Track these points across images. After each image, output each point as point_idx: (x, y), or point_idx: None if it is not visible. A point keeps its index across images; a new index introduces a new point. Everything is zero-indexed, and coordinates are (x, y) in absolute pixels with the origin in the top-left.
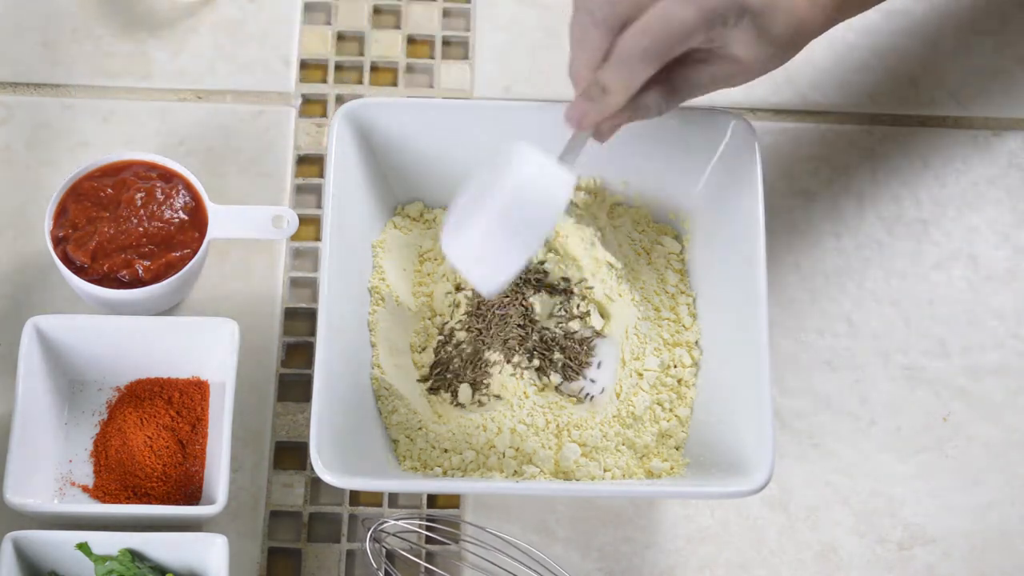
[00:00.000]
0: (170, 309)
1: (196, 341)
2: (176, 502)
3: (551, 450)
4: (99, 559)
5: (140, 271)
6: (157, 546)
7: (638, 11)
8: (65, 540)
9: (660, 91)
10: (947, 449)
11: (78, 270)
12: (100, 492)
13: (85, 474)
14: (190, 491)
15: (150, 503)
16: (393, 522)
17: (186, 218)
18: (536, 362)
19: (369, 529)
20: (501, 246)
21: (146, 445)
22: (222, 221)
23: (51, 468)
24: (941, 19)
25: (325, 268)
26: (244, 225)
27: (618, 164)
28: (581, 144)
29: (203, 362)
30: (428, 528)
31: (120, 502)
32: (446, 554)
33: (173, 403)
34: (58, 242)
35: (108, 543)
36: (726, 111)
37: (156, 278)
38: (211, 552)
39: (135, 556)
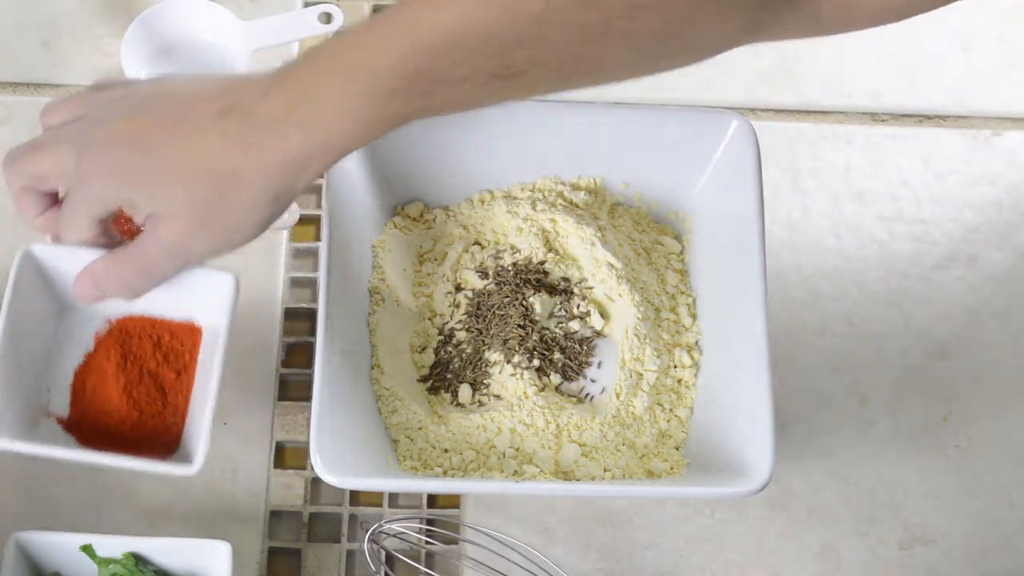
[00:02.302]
0: None
1: (193, 285)
2: (150, 452)
3: (551, 450)
4: (103, 561)
5: None
6: (161, 551)
7: None
8: (69, 542)
9: None
10: (947, 449)
11: None
12: (73, 427)
13: (61, 405)
14: (166, 443)
15: (124, 449)
16: (391, 524)
17: None
18: (536, 362)
19: (368, 531)
20: None
21: (125, 391)
22: None
23: (29, 394)
24: (941, 18)
25: (325, 268)
26: None
27: (618, 164)
28: None
29: (198, 308)
30: (428, 529)
31: (92, 442)
32: (446, 555)
33: (161, 345)
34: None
35: (112, 546)
36: (726, 111)
37: None
38: (215, 559)
39: (139, 560)
